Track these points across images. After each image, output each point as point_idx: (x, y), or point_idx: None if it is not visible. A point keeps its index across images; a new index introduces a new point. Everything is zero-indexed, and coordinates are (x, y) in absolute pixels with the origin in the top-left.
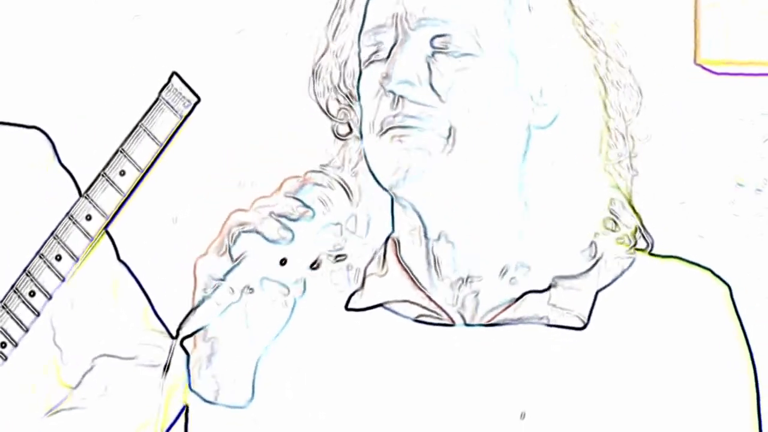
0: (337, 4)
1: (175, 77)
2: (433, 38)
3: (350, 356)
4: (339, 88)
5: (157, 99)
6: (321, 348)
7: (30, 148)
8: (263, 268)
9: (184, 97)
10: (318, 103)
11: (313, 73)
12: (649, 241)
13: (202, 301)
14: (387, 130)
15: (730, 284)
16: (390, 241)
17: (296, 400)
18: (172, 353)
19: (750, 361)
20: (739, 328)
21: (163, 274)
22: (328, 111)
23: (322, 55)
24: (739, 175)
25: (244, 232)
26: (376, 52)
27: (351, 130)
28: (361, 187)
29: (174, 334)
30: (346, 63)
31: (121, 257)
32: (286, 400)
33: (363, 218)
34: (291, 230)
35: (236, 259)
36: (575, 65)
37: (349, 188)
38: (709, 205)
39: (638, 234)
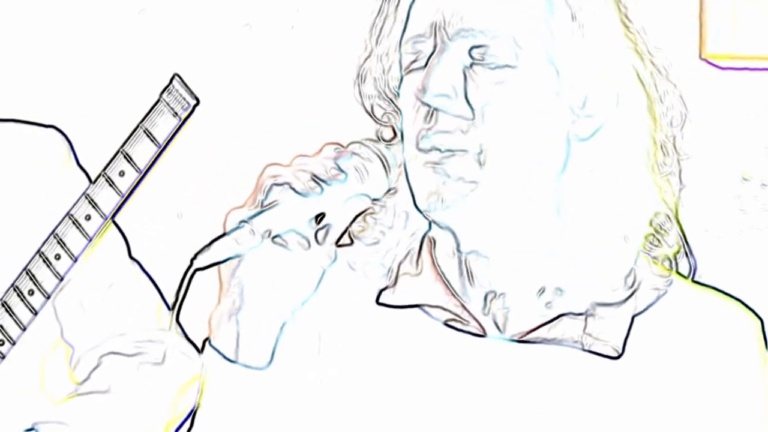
0: (380, 9)
1: (176, 79)
2: (471, 49)
3: (377, 351)
4: (384, 93)
5: (157, 101)
6: (349, 337)
7: (47, 147)
8: (290, 219)
9: (184, 99)
10: (363, 106)
11: (357, 76)
12: (692, 263)
13: (222, 236)
14: (423, 151)
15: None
16: (426, 240)
17: (313, 380)
18: (184, 287)
19: None
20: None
21: (169, 268)
22: (373, 114)
23: (366, 59)
24: (745, 170)
25: (275, 184)
26: (415, 60)
27: (395, 134)
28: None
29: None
30: (390, 68)
31: (133, 255)
32: (304, 376)
33: (401, 213)
34: (320, 186)
35: (265, 207)
36: (621, 75)
37: (387, 163)
38: (714, 200)
39: (680, 255)
